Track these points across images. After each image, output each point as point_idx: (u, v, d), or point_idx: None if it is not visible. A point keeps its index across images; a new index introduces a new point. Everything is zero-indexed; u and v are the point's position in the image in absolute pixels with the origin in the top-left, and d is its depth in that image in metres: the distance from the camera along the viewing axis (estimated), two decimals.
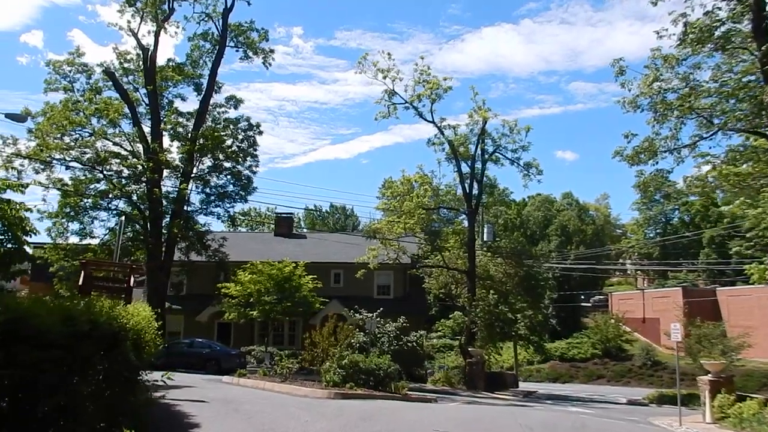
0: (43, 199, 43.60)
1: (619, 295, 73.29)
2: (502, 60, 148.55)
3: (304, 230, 79.05)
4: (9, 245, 13.71)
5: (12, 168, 34.86)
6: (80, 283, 14.24)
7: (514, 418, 16.28)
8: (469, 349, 35.26)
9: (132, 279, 14.64)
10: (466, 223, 40.87)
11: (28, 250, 15.62)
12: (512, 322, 35.05)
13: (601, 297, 77.30)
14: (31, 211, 13.61)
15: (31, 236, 14.16)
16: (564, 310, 62.81)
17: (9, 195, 14.53)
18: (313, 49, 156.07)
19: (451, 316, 36.77)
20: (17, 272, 14.46)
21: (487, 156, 38.53)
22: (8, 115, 25.35)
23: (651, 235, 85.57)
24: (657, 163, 23.80)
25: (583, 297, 73.74)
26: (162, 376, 10.76)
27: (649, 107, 22.57)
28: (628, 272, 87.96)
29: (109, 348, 7.10)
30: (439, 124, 38.57)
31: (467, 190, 38.35)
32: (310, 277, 37.76)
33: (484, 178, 39.04)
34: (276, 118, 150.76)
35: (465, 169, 38.79)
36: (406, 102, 38.56)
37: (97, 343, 6.74)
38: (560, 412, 21.07)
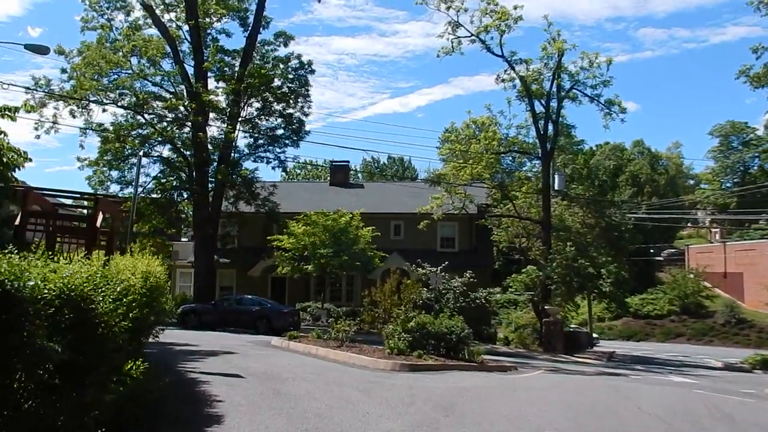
0: (81, 146, 41.27)
1: (696, 248, 68.36)
2: (567, 6, 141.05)
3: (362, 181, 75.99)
4: None
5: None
6: (17, 223, 10.49)
7: (629, 400, 12.88)
8: (546, 307, 31.74)
9: (100, 216, 11.14)
10: (535, 171, 37.18)
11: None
12: (594, 278, 31.29)
13: (674, 250, 72.71)
14: (6, 135, 10.51)
15: (17, 169, 11.21)
16: (636, 264, 58.36)
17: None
18: (373, 0, 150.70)
19: (523, 270, 33.16)
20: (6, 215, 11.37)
21: (563, 93, 34.43)
22: (28, 46, 22.58)
23: (728, 185, 79.77)
24: None
25: (652, 251, 69.00)
26: None
27: None
28: (704, 223, 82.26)
29: None
30: (509, 59, 34.56)
31: (541, 131, 34.39)
32: (369, 228, 34.88)
33: (560, 118, 34.84)
34: (335, 72, 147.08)
35: (538, 108, 34.87)
36: (471, 35, 34.69)
37: None
38: (671, 386, 17.54)
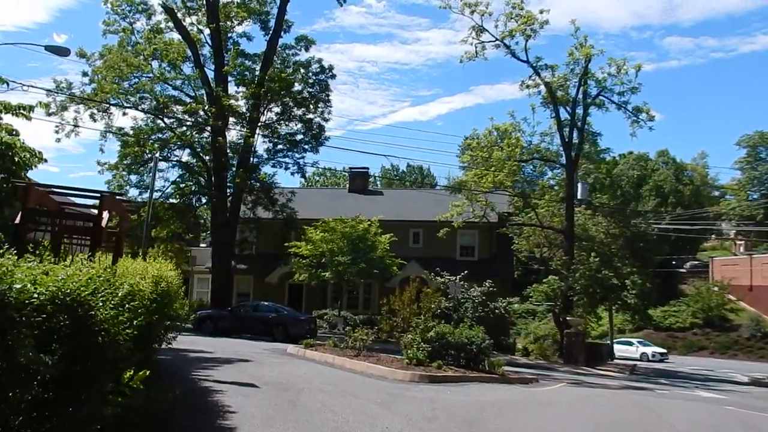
0: (101, 149, 41.11)
1: (721, 261, 67.06)
2: (591, 15, 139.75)
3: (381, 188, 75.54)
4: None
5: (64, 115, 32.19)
6: (17, 221, 9.58)
7: (660, 417, 12.27)
8: (568, 318, 31.03)
9: (105, 216, 10.56)
10: (558, 179, 36.51)
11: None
12: (618, 289, 30.53)
13: (697, 262, 71.45)
14: (17, 134, 10.20)
15: (29, 169, 10.90)
16: (659, 275, 57.27)
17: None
18: (395, 7, 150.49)
19: (545, 280, 32.50)
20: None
21: (589, 100, 33.72)
22: (48, 48, 22.33)
23: (754, 196, 78.27)
24: None
25: (674, 262, 67.82)
26: None
27: None
28: (729, 235, 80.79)
29: None
30: (534, 64, 33.95)
31: (566, 139, 33.74)
32: (387, 235, 34.48)
33: (586, 126, 34.13)
34: (356, 80, 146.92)
35: (563, 115, 34.23)
36: (496, 39, 34.15)
37: None
38: (700, 402, 16.87)
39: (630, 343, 48.76)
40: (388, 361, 17.34)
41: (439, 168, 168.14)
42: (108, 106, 32.62)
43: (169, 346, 11.79)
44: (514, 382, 17.94)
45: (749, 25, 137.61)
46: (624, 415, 12.37)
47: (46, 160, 11.93)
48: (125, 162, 34.69)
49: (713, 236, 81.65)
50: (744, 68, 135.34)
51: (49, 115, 32.44)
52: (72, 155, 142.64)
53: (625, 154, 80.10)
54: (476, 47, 34.53)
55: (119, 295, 5.45)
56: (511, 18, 33.61)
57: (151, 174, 34.09)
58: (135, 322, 5.90)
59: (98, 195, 9.39)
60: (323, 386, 12.81)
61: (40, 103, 12.16)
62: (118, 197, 9.38)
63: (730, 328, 55.05)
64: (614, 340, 42.52)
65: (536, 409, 12.53)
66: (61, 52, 22.80)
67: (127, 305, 5.61)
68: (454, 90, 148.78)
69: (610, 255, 32.13)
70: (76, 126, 32.59)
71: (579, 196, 38.53)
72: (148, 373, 6.63)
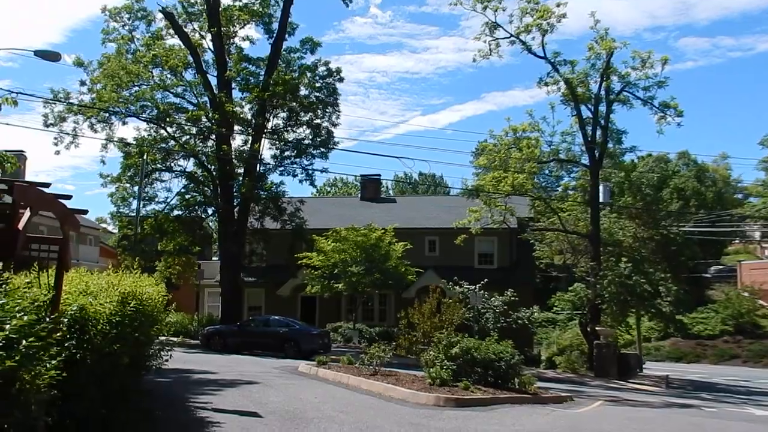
0: (102, 161, 39.79)
1: (749, 265, 64.66)
2: (605, 17, 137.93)
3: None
4: None
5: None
6: None
7: None
8: (597, 328, 29.09)
9: (26, 215, 7.69)
10: (580, 181, 34.68)
11: None
12: (651, 296, 28.55)
13: (722, 267, 69.08)
14: None
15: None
16: (685, 281, 55.07)
17: None
18: (404, 17, 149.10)
19: (570, 288, 30.65)
20: None
21: (612, 96, 31.89)
22: (38, 53, 20.90)
23: None
24: None
25: (699, 267, 65.50)
26: None
27: None
28: (754, 237, 78.35)
29: None
30: (552, 60, 32.22)
31: (588, 138, 31.90)
32: (402, 243, 32.92)
33: (609, 123, 32.27)
34: (366, 90, 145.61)
35: (585, 113, 32.41)
36: (510, 35, 32.50)
37: None
38: (760, 423, 15.00)
39: None
40: (408, 380, 15.59)
41: (452, 176, 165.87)
42: (108, 115, 31.13)
43: (174, 367, 10.25)
44: (548, 401, 16.12)
45: (765, 23, 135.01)
46: None
47: (20, 166, 10.41)
48: (128, 174, 33.26)
49: (738, 240, 79.23)
50: (763, 67, 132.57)
51: (47, 126, 31.15)
52: (88, 172, 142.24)
53: (644, 156, 78.00)
54: (490, 45, 32.94)
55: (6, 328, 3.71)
56: (526, 13, 31.94)
57: (155, 185, 32.80)
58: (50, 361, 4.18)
59: (8, 185, 7.04)
60: (336, 415, 11.09)
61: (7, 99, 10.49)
62: (61, 198, 7.13)
63: (762, 335, 52.61)
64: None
65: None
66: (51, 56, 21.35)
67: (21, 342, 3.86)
68: (465, 98, 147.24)
69: (640, 259, 30.17)
70: (75, 137, 31.13)
71: (600, 199, 36.69)
72: None
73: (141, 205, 31.94)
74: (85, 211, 8.63)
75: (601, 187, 37.52)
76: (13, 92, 15.30)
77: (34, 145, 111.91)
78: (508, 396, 15.01)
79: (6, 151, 12.42)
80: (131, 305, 7.34)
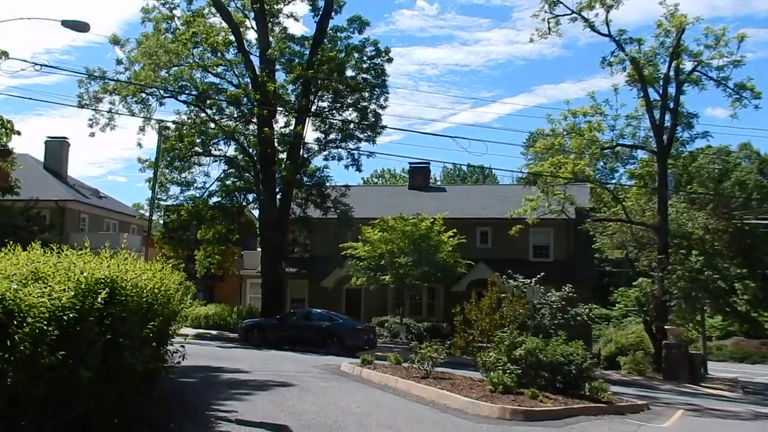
0: (139, 144, 38.65)
1: None
2: (662, 8, 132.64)
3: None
4: None
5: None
6: None
7: None
8: (666, 327, 26.80)
9: None
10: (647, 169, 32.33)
11: None
12: (725, 294, 26.16)
13: None
14: None
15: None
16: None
17: None
18: (455, 8, 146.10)
19: (634, 284, 28.43)
20: None
21: (683, 76, 29.47)
22: (65, 23, 19.63)
23: None
24: None
25: None
26: None
27: None
28: None
29: None
30: (617, 38, 29.94)
31: (656, 122, 29.54)
32: (452, 232, 31.18)
33: (679, 106, 29.87)
34: (416, 83, 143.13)
35: (652, 95, 30.07)
36: (572, 12, 30.38)
37: None
38: None
39: None
40: (465, 385, 13.74)
41: (502, 169, 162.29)
42: (145, 95, 29.90)
43: (203, 364, 8.67)
44: (626, 411, 14.13)
45: None
46: None
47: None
48: (168, 157, 32.01)
49: None
50: None
51: (82, 107, 30.08)
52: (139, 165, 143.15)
53: (703, 148, 74.51)
54: (549, 22, 30.89)
55: None
56: None
57: (192, 169, 31.57)
58: None
59: None
60: (382, 431, 9.35)
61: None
62: None
63: None
64: None
65: None
66: (79, 27, 20.05)
67: None
68: (515, 90, 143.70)
69: (713, 253, 27.74)
70: (111, 119, 30.00)
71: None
72: None
73: (180, 191, 30.75)
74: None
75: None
76: (31, 62, 14.04)
77: (85, 139, 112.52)
78: (581, 406, 13.05)
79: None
80: (99, 299, 5.67)
